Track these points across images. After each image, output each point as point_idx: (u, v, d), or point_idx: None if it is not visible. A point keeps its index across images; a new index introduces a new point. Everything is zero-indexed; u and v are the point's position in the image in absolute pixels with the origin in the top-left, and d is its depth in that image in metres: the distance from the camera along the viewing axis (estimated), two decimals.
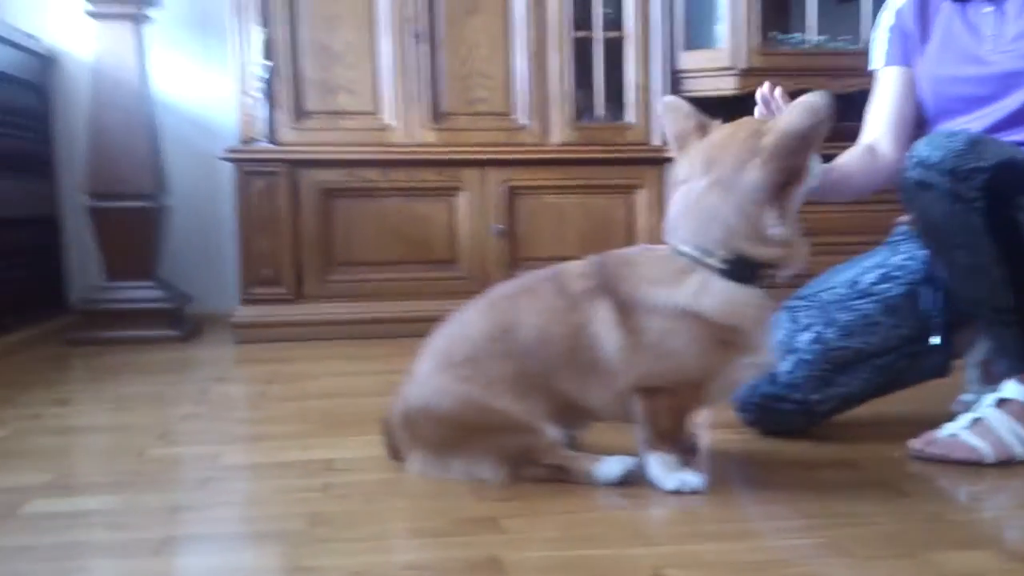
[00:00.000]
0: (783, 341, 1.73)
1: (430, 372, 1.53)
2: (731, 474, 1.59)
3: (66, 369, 2.73)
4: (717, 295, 1.41)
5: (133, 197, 3.17)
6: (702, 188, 1.43)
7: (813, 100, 1.37)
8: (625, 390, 1.46)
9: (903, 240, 1.85)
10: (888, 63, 1.87)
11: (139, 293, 3.19)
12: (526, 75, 3.32)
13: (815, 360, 1.72)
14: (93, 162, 3.17)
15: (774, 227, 1.40)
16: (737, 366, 1.46)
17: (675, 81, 3.38)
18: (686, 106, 1.51)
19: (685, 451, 1.56)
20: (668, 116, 1.52)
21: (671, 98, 1.55)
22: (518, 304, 1.52)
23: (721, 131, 1.46)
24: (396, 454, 1.61)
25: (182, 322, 3.30)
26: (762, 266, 1.42)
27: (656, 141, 3.35)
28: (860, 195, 1.84)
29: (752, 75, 3.27)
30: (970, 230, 1.50)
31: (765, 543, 1.26)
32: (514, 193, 3.30)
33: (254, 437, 1.90)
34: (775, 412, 1.75)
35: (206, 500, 1.48)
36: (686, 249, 1.43)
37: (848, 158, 1.80)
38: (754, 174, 1.38)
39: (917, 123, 1.86)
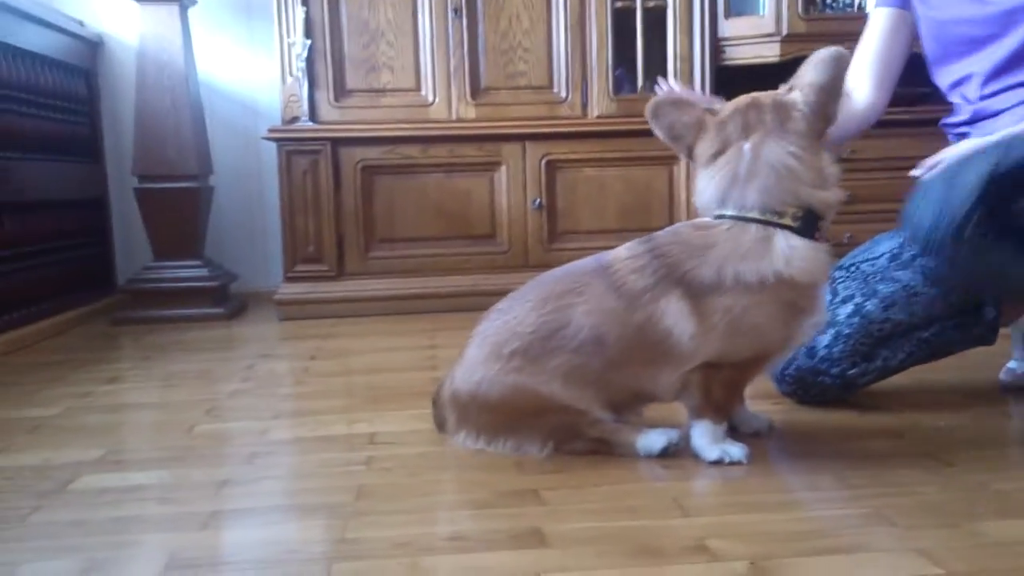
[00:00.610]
0: None
1: (480, 360, 1.53)
2: (772, 444, 1.58)
3: (115, 348, 2.78)
4: (803, 254, 1.39)
5: (179, 178, 3.22)
6: (750, 149, 1.42)
7: (830, 53, 1.40)
8: (693, 368, 1.45)
9: None
10: (878, 4, 1.84)
11: (185, 272, 3.25)
12: (566, 48, 3.30)
13: (854, 334, 1.69)
14: (139, 144, 3.21)
15: (830, 167, 1.43)
16: (803, 330, 1.45)
17: (717, 50, 3.34)
18: (684, 93, 1.55)
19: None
20: (674, 109, 1.48)
21: (668, 94, 1.54)
22: (569, 303, 1.48)
23: (737, 102, 1.47)
24: (443, 427, 1.63)
25: (227, 300, 3.36)
26: (820, 218, 1.42)
27: None
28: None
29: (795, 41, 3.23)
30: (1004, 258, 1.48)
31: (807, 513, 1.26)
32: (554, 167, 3.29)
33: (299, 412, 1.92)
34: (812, 385, 1.73)
35: (253, 474, 1.51)
36: (755, 214, 1.40)
37: None
38: (801, 124, 1.40)
39: (907, 66, 1.85)
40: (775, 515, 1.25)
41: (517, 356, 1.49)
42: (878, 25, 1.84)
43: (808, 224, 1.40)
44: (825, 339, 1.70)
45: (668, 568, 1.10)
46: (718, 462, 1.45)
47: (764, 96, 1.45)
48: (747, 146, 1.42)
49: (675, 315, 1.40)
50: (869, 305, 1.70)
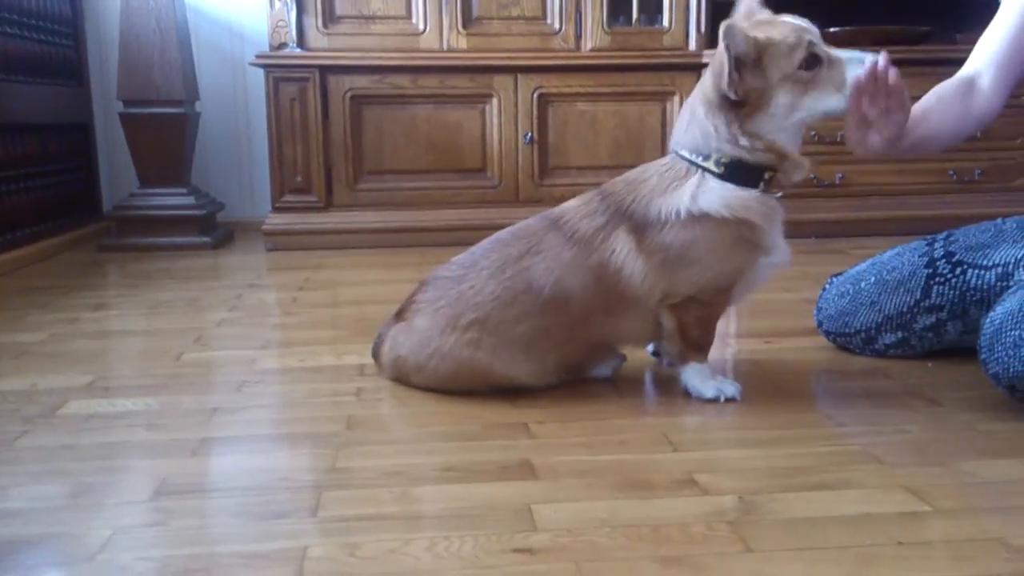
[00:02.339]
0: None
1: (434, 332, 1.49)
2: (761, 383, 1.58)
3: (101, 275, 2.76)
4: (713, 193, 1.41)
5: (164, 103, 3.16)
6: (693, 97, 1.47)
7: (722, 27, 1.35)
8: (655, 308, 1.46)
9: None
10: None
11: (171, 200, 3.21)
12: None
13: (921, 350, 1.67)
14: (124, 68, 3.15)
15: (739, 135, 1.40)
16: (759, 267, 1.46)
17: None
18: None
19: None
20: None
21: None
22: (528, 265, 1.47)
23: None
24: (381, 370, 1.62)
25: (214, 229, 3.33)
26: (761, 169, 1.42)
27: (693, 46, 3.27)
28: (943, 143, 1.64)
29: None
30: None
31: (795, 450, 1.27)
32: (546, 100, 3.25)
33: (288, 342, 1.92)
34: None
35: (242, 403, 1.51)
36: (684, 153, 1.45)
37: (928, 103, 1.60)
38: (711, 89, 1.41)
39: None
40: (763, 451, 1.26)
41: (474, 327, 1.46)
42: (1013, 13, 1.60)
43: (736, 173, 1.41)
44: (891, 337, 1.67)
45: (656, 501, 1.11)
46: (714, 399, 1.47)
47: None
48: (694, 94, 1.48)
49: (624, 253, 1.43)
50: (950, 327, 1.63)
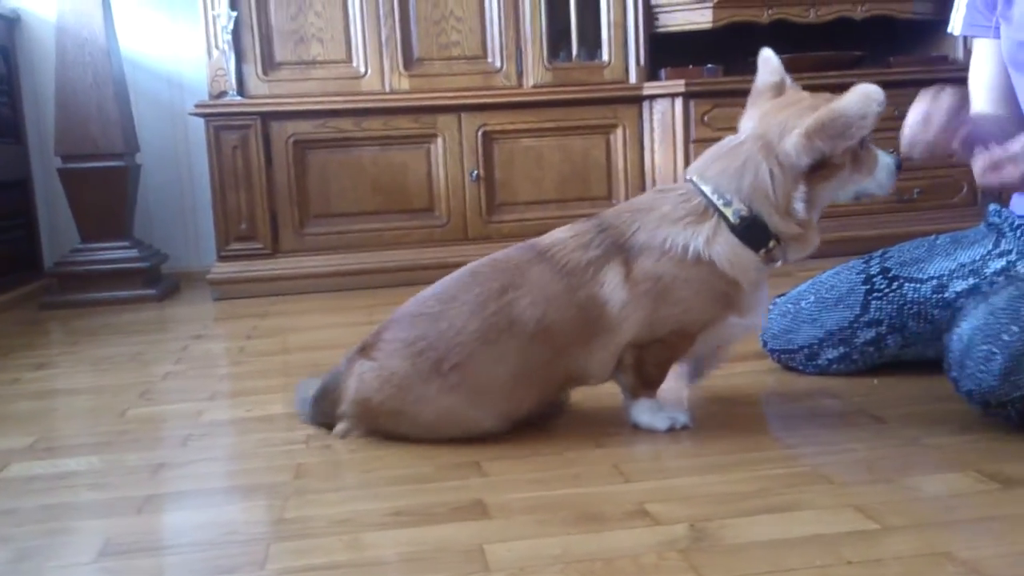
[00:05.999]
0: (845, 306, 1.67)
1: (413, 376, 1.41)
2: (710, 408, 1.59)
3: (43, 333, 2.71)
4: (726, 245, 1.37)
5: (104, 157, 3.13)
6: (744, 139, 1.39)
7: (870, 90, 1.30)
8: (622, 345, 1.42)
9: (1008, 227, 1.63)
10: (977, 34, 1.64)
11: (114, 254, 3.17)
12: (499, 16, 3.27)
13: (863, 364, 1.70)
14: (62, 123, 3.12)
15: (798, 203, 1.36)
16: (728, 325, 1.43)
17: (650, 16, 3.34)
18: (776, 61, 1.46)
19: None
20: (759, 67, 1.46)
21: (766, 50, 1.46)
22: (512, 300, 1.40)
23: (790, 96, 1.42)
24: (318, 421, 1.55)
25: (159, 281, 3.29)
26: (771, 237, 1.38)
27: (633, 79, 3.31)
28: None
29: (728, 6, 3.24)
30: None
31: (745, 474, 1.27)
32: (491, 138, 3.27)
33: (235, 392, 1.89)
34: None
35: (189, 457, 1.48)
36: (706, 190, 1.38)
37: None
38: (791, 142, 1.33)
39: None
40: (713, 477, 1.27)
41: (458, 371, 1.39)
42: (989, 57, 1.62)
43: (749, 230, 1.37)
44: (834, 352, 1.69)
45: (609, 534, 1.10)
46: (669, 430, 1.46)
47: (806, 100, 1.38)
48: (744, 136, 1.40)
49: (611, 283, 1.38)
50: (891, 341, 1.67)
